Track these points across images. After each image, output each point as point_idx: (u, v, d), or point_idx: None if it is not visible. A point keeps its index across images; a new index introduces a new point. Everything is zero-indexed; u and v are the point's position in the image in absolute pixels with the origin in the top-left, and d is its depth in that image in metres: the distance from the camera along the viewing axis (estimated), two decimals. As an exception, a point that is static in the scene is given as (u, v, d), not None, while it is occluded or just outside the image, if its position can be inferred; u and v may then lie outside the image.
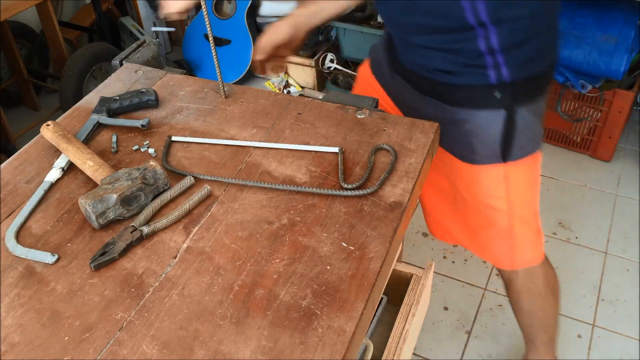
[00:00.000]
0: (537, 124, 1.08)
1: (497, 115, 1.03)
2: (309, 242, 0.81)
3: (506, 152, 1.07)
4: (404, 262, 1.15)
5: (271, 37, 1.11)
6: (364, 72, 1.28)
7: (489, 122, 1.04)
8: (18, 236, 0.84)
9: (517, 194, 1.12)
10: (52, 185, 0.93)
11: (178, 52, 3.22)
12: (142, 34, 2.88)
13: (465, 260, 2.05)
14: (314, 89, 2.79)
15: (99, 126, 1.04)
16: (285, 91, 2.80)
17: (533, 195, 1.16)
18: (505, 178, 1.10)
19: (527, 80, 1.02)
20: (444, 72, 1.02)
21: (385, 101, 1.21)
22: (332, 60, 2.68)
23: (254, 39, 2.84)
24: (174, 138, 1.00)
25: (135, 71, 1.17)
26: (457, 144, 1.09)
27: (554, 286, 1.40)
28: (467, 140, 1.07)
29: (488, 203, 1.13)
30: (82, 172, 0.93)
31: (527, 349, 1.54)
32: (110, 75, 1.17)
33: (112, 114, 1.05)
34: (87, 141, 1.01)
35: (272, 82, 2.88)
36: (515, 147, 1.06)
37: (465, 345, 1.78)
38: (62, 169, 0.94)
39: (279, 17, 3.07)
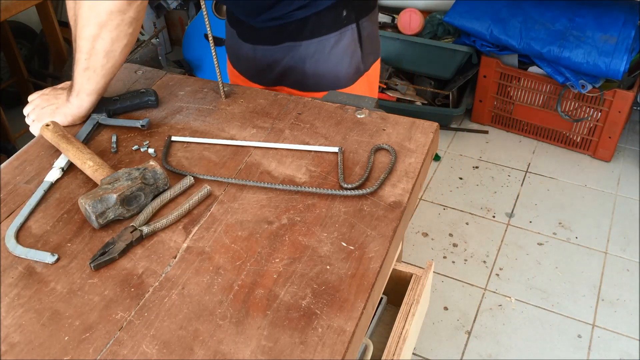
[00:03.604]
0: (376, 33, 1.23)
1: (349, 30, 1.15)
2: (308, 242, 0.81)
3: (363, 62, 1.20)
4: (404, 262, 1.15)
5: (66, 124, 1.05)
6: (230, 67, 1.36)
7: (345, 40, 1.15)
8: (18, 236, 0.84)
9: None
10: (52, 185, 0.93)
11: (178, 52, 3.22)
12: (142, 34, 2.88)
13: (465, 260, 2.05)
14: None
15: (98, 126, 1.04)
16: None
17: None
18: (365, 88, 1.24)
19: None
20: (294, 11, 1.10)
21: (248, 84, 1.29)
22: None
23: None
24: (173, 138, 1.00)
25: (135, 71, 1.17)
26: (326, 76, 1.17)
27: None
28: (334, 62, 1.16)
29: None
30: (82, 172, 0.93)
31: None
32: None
33: (112, 114, 1.05)
34: (87, 141, 1.01)
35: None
36: (366, 55, 1.20)
37: (465, 345, 1.78)
38: (62, 169, 0.94)
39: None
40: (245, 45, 1.22)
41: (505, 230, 2.15)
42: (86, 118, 1.05)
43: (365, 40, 1.18)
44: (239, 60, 1.28)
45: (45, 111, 1.04)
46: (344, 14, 1.13)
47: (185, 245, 0.82)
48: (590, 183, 2.33)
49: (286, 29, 1.14)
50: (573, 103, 2.35)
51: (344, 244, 0.80)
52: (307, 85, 1.19)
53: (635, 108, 2.58)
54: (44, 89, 1.09)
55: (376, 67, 1.27)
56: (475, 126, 2.63)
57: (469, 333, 1.82)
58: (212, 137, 1.00)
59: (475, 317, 1.86)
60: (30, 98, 1.08)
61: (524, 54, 2.33)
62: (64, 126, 1.02)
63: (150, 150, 0.97)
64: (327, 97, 1.08)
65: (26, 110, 1.07)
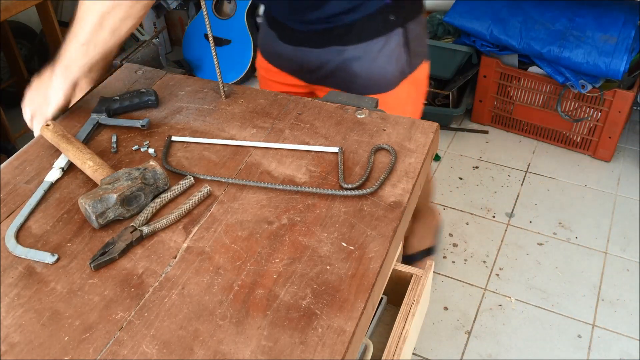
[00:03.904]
0: (424, 35, 1.24)
1: (396, 34, 1.15)
2: (308, 242, 0.81)
3: (409, 64, 1.20)
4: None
5: (52, 107, 1.03)
6: (261, 63, 1.34)
7: (392, 44, 1.15)
8: (18, 236, 0.84)
9: (419, 102, 1.32)
10: (52, 185, 0.93)
11: (178, 52, 3.22)
12: (143, 34, 2.88)
13: (465, 260, 2.05)
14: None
15: (98, 126, 1.04)
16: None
17: (423, 99, 1.35)
18: (410, 90, 1.23)
19: None
20: (341, 15, 1.10)
21: (285, 79, 1.29)
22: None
23: (254, 39, 2.84)
24: (173, 138, 1.00)
25: (135, 71, 1.17)
26: (371, 79, 1.17)
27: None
28: (379, 67, 1.16)
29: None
30: (82, 172, 0.93)
31: None
32: (110, 75, 1.17)
33: (112, 114, 1.05)
34: (87, 141, 1.01)
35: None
36: (412, 57, 1.20)
37: (465, 345, 1.78)
38: (62, 169, 0.94)
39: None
40: (287, 47, 1.21)
41: (505, 230, 2.15)
42: (69, 104, 1.04)
43: (412, 43, 1.18)
44: (277, 58, 1.27)
45: (35, 103, 1.03)
46: (391, 18, 1.13)
47: (185, 245, 0.82)
48: (590, 183, 2.33)
49: (331, 33, 1.13)
50: (573, 103, 2.35)
51: (344, 244, 0.80)
52: (351, 88, 1.18)
53: (635, 108, 2.58)
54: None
55: (423, 68, 1.26)
56: (475, 126, 2.63)
57: (469, 333, 1.82)
58: (212, 137, 1.00)
59: (475, 317, 1.86)
60: (22, 105, 1.07)
61: (524, 54, 2.33)
62: (59, 118, 1.02)
63: (150, 150, 0.97)
64: (327, 97, 1.08)
65: (24, 116, 1.07)
